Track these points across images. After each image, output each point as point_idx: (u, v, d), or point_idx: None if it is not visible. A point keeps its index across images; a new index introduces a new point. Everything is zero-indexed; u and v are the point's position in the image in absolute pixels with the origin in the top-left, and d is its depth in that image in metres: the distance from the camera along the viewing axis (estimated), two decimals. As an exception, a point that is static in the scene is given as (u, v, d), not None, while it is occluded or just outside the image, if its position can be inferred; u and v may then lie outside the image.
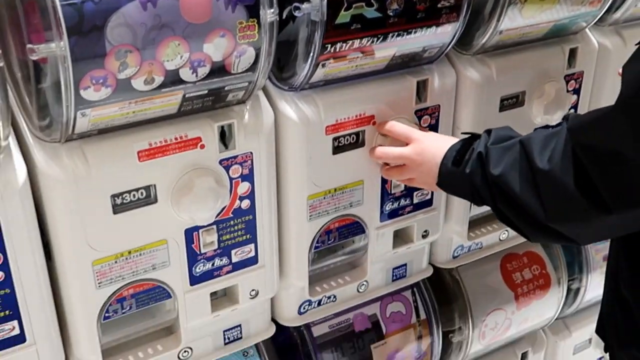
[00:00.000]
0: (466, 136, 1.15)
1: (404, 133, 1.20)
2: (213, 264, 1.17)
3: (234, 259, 1.19)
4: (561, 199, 0.97)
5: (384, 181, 1.30)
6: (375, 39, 1.12)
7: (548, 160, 0.97)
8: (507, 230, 1.57)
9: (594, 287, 1.79)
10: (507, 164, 1.02)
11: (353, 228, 1.31)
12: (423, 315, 1.51)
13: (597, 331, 1.22)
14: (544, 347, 1.82)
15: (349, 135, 1.22)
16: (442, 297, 1.56)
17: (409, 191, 1.34)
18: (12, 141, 0.98)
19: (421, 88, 1.27)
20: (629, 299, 1.07)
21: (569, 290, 1.74)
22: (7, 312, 1.02)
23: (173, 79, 0.98)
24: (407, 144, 1.19)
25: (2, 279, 1.00)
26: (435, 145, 1.16)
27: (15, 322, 1.04)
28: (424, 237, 1.41)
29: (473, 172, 1.07)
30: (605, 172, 0.92)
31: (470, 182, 1.08)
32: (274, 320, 1.37)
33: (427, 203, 1.38)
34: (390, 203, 1.33)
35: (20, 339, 1.05)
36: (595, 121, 0.95)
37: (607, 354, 1.20)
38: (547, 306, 1.69)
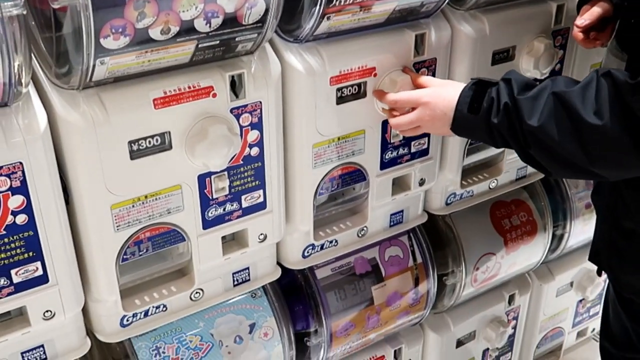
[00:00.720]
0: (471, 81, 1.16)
1: (409, 101, 1.19)
2: (224, 209, 1.18)
3: (244, 204, 1.19)
4: (611, 151, 1.01)
5: (384, 131, 1.30)
6: (379, -8, 1.11)
7: (595, 114, 0.99)
8: (496, 179, 1.58)
9: (576, 233, 1.82)
10: (545, 116, 1.04)
11: (355, 176, 1.32)
12: (419, 259, 1.53)
13: (590, 259, 1.28)
14: (529, 290, 1.85)
15: (352, 86, 1.22)
16: (437, 242, 1.58)
17: (407, 141, 1.35)
18: (31, 89, 0.97)
19: (419, 41, 1.27)
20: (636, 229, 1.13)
21: (553, 236, 1.76)
22: (30, 253, 1.03)
23: (187, 29, 0.97)
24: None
25: (26, 222, 1.00)
26: (442, 102, 1.16)
27: (38, 263, 1.04)
28: (420, 184, 1.42)
29: (500, 123, 1.09)
30: None
31: (496, 130, 1.10)
32: (279, 263, 1.38)
33: (424, 152, 1.39)
34: (390, 152, 1.33)
35: (43, 279, 1.06)
36: None
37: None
38: (534, 251, 1.71)
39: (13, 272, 1.02)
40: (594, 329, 2.15)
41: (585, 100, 1.01)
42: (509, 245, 1.64)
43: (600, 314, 1.84)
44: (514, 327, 1.86)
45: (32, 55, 0.95)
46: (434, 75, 1.31)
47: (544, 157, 1.08)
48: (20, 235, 1.00)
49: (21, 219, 0.99)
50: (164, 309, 1.24)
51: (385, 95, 1.22)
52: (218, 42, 1.03)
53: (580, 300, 2.02)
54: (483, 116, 1.11)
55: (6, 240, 1.00)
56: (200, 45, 1.01)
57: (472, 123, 1.13)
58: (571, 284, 1.95)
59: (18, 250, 1.01)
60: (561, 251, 1.85)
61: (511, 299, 1.79)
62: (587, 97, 1.00)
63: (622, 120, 0.98)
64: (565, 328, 2.04)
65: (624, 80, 0.98)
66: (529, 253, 1.71)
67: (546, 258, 1.79)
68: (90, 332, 1.21)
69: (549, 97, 1.04)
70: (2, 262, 1.01)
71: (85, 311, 1.18)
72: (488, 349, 1.82)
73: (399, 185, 1.41)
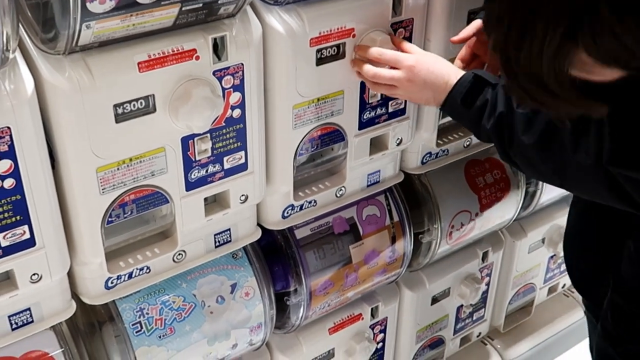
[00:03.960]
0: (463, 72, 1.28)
1: (393, 59, 1.28)
2: (207, 171, 1.26)
3: (226, 166, 1.27)
4: (586, 187, 1.16)
5: (362, 91, 1.39)
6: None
7: (585, 154, 1.09)
8: (470, 138, 1.69)
9: (548, 190, 1.95)
10: (537, 137, 1.15)
11: (334, 136, 1.41)
12: (396, 218, 1.63)
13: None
14: (502, 247, 1.97)
15: (331, 47, 1.29)
16: (412, 201, 1.68)
17: (385, 101, 1.44)
18: (17, 55, 1.02)
19: (396, 2, 1.35)
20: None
21: (526, 193, 1.88)
22: (18, 217, 1.09)
23: (172, -8, 1.03)
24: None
25: (13, 186, 1.06)
26: (427, 71, 1.26)
27: (25, 227, 1.11)
28: (397, 144, 1.51)
29: (492, 127, 1.21)
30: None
31: (484, 130, 1.24)
32: (259, 225, 1.47)
33: (401, 112, 1.48)
34: (368, 112, 1.42)
35: (30, 242, 1.12)
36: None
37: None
38: (507, 208, 1.83)
39: (1, 236, 1.09)
40: (564, 285, 2.30)
41: (578, 144, 1.10)
42: (483, 202, 1.76)
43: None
44: (488, 284, 1.99)
45: (20, 21, 1.01)
46: (410, 35, 1.40)
47: (524, 165, 1.23)
48: (8, 199, 1.07)
49: (9, 183, 1.05)
50: (148, 270, 1.32)
51: (369, 48, 1.29)
52: (201, 5, 1.09)
53: (552, 257, 2.15)
54: (474, 113, 1.23)
55: (-6, 204, 1.06)
56: (183, 9, 1.08)
57: (462, 114, 1.25)
58: (543, 240, 2.08)
59: (6, 214, 1.08)
60: (533, 208, 1.97)
61: (485, 256, 1.91)
62: (579, 141, 1.10)
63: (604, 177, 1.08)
64: (537, 284, 2.18)
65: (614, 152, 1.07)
66: (503, 210, 1.83)
67: (519, 215, 1.91)
68: (75, 296, 1.29)
69: (547, 122, 1.14)
70: (-10, 226, 1.07)
71: (70, 275, 1.25)
72: (462, 305, 1.95)
73: (376, 145, 1.50)
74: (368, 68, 1.30)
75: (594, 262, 1.58)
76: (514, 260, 2.03)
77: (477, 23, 1.36)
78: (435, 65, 1.28)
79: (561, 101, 0.95)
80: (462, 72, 1.29)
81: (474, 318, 2.04)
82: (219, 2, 1.11)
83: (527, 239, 2.03)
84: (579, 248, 1.64)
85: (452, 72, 1.28)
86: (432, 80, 1.27)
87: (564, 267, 2.19)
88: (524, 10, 0.90)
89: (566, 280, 2.27)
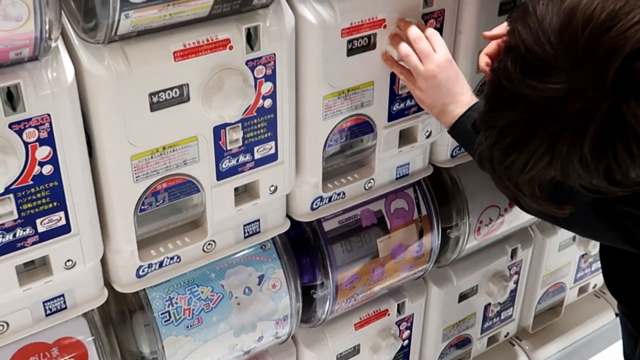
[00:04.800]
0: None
1: (424, 51, 1.33)
2: (237, 160, 1.33)
3: (256, 156, 1.34)
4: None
5: (392, 82, 1.45)
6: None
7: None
8: (501, 132, 1.74)
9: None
10: None
11: (363, 127, 1.47)
12: (424, 212, 1.69)
13: None
14: (532, 244, 2.02)
15: (362, 37, 1.36)
16: (441, 195, 1.74)
17: (415, 92, 1.50)
18: (59, 43, 1.10)
19: (428, -7, 1.42)
20: None
21: (557, 189, 1.93)
22: (55, 203, 1.17)
23: (208, -18, 1.11)
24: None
25: (52, 172, 1.14)
26: (445, 79, 1.33)
27: (62, 213, 1.18)
28: (427, 137, 1.58)
29: None
30: None
31: None
32: (288, 216, 1.54)
33: (431, 104, 1.54)
34: (398, 104, 1.49)
35: (66, 229, 1.20)
36: None
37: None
38: (537, 203, 1.88)
39: (38, 221, 1.17)
40: (595, 285, 2.34)
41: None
42: (513, 197, 1.81)
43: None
44: (516, 282, 2.04)
45: (62, 11, 1.09)
46: (441, 27, 1.46)
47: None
48: (46, 185, 1.14)
49: (47, 169, 1.13)
50: (178, 260, 1.39)
51: (412, 25, 1.35)
52: (236, -5, 1.17)
53: (583, 255, 2.20)
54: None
55: (33, 190, 1.13)
56: (219, -1, 1.15)
57: (471, 138, 1.26)
58: (574, 238, 2.13)
59: (43, 200, 1.15)
60: (564, 204, 2.02)
61: (514, 252, 1.97)
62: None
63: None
64: (567, 283, 2.23)
65: None
66: (533, 206, 1.88)
67: (549, 211, 1.96)
68: (106, 284, 1.37)
69: None
70: (29, 211, 1.15)
71: (102, 262, 1.33)
72: (490, 303, 2.01)
73: (405, 137, 1.56)
74: (404, 46, 1.35)
75: (633, 269, 1.61)
76: (544, 258, 2.08)
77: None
78: (457, 79, 1.35)
79: (533, 202, 1.06)
80: (473, 96, 1.36)
81: (502, 317, 2.10)
82: (254, -8, 1.18)
83: (558, 237, 2.08)
84: (615, 254, 1.68)
85: (466, 93, 1.34)
86: (447, 90, 1.33)
87: (595, 266, 2.25)
88: (519, 132, 0.98)
89: (597, 280, 2.32)
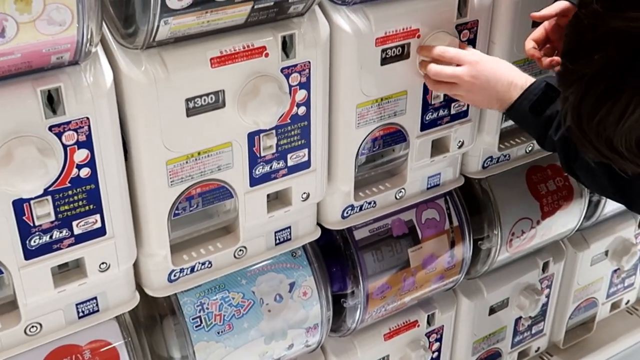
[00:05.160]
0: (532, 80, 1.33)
1: (456, 56, 1.35)
2: (271, 167, 1.34)
3: (289, 163, 1.36)
4: None
5: (425, 92, 1.46)
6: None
7: None
8: (532, 143, 1.74)
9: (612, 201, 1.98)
10: None
11: (395, 136, 1.48)
12: (456, 222, 1.69)
13: None
14: (563, 258, 2.01)
15: (396, 47, 1.37)
16: (472, 206, 1.74)
17: (447, 102, 1.51)
18: (99, 48, 1.13)
19: (462, 4, 1.42)
20: None
21: (589, 202, 1.92)
22: (91, 206, 1.19)
23: (246, -10, 1.13)
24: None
25: (89, 175, 1.16)
26: (490, 70, 1.33)
27: (97, 216, 1.20)
28: (459, 147, 1.58)
29: (559, 139, 1.27)
30: None
31: (549, 140, 1.29)
32: (319, 224, 1.55)
33: (464, 114, 1.55)
34: (430, 113, 1.50)
35: (101, 231, 1.22)
36: None
37: None
38: (570, 217, 1.88)
39: (74, 223, 1.19)
40: (628, 301, 2.32)
41: None
42: (545, 210, 1.81)
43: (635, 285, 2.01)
44: (548, 296, 2.03)
45: (103, 18, 1.11)
46: (475, 37, 1.47)
47: (588, 182, 1.30)
48: (83, 188, 1.16)
49: (85, 172, 1.15)
50: (209, 265, 1.41)
51: (433, 48, 1.36)
52: (273, 3, 1.18)
53: (615, 270, 2.18)
54: (543, 122, 1.29)
55: (70, 192, 1.16)
56: (255, 7, 1.17)
57: (528, 120, 1.30)
58: (606, 252, 2.11)
59: (80, 203, 1.18)
60: (597, 218, 2.01)
61: (545, 266, 1.96)
62: None
63: None
64: (599, 299, 2.20)
65: None
66: (565, 219, 1.87)
67: (581, 225, 1.95)
68: (138, 288, 1.39)
69: None
70: (65, 213, 1.17)
71: (135, 266, 1.35)
72: (521, 317, 1.99)
73: (437, 147, 1.57)
74: (431, 66, 1.37)
75: None
76: (576, 272, 2.07)
77: (561, 4, 1.36)
78: (499, 65, 1.35)
79: (628, 162, 0.98)
80: (527, 76, 1.35)
81: (533, 331, 2.08)
82: (289, 1, 1.20)
83: (590, 251, 2.06)
84: None
85: (517, 75, 1.35)
86: (496, 80, 1.33)
87: (628, 282, 2.22)
88: (613, 76, 0.92)
89: (630, 296, 2.29)
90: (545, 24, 1.39)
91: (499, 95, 1.35)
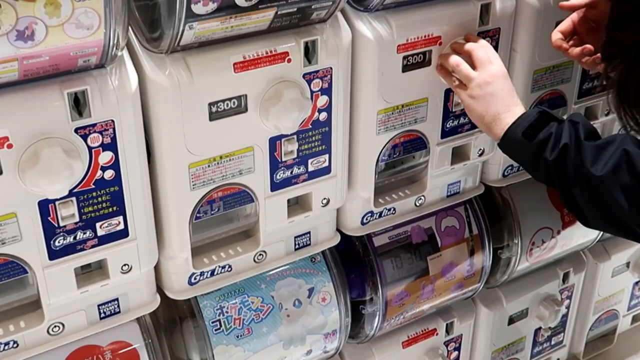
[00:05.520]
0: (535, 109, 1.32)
1: (481, 59, 1.34)
2: (292, 172, 1.36)
3: (310, 168, 1.37)
4: None
5: (446, 99, 1.47)
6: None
7: None
8: (554, 153, 1.74)
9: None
10: (609, 168, 1.18)
11: (416, 143, 1.49)
12: (475, 231, 1.70)
13: None
14: (584, 269, 2.01)
15: (418, 54, 1.39)
16: (492, 215, 1.74)
17: (469, 110, 1.51)
18: (124, 52, 1.15)
19: (484, 11, 1.43)
20: None
21: (611, 213, 1.91)
22: (115, 207, 1.21)
23: (270, -4, 1.15)
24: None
25: (113, 177, 1.18)
26: (498, 91, 1.32)
27: (120, 218, 1.22)
28: (479, 155, 1.59)
29: (554, 160, 1.24)
30: None
31: (544, 164, 1.26)
32: (338, 230, 1.56)
33: (485, 122, 1.55)
34: (451, 121, 1.50)
35: (124, 233, 1.24)
36: None
37: None
38: (591, 227, 1.87)
39: (98, 225, 1.21)
40: (650, 314, 2.30)
41: None
42: (566, 220, 1.81)
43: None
44: (568, 307, 2.02)
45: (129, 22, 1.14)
46: (496, 45, 1.48)
47: (588, 204, 1.23)
48: (107, 190, 1.19)
49: (109, 174, 1.17)
50: (229, 269, 1.42)
51: (465, 44, 1.36)
52: (296, 9, 1.20)
53: (637, 282, 2.17)
54: (535, 146, 1.27)
55: (94, 194, 1.18)
56: (279, 13, 1.19)
57: (521, 147, 1.28)
58: (627, 264, 2.10)
59: (104, 204, 1.20)
60: (618, 229, 2.00)
61: (565, 277, 1.95)
62: None
63: None
64: (620, 311, 2.19)
65: None
66: (586, 229, 1.86)
67: (603, 236, 1.95)
68: (158, 290, 1.40)
69: (619, 151, 1.18)
70: (89, 215, 1.19)
71: (156, 269, 1.36)
72: (540, 327, 1.99)
73: (457, 155, 1.58)
74: (454, 57, 1.37)
75: None
76: (597, 283, 2.06)
77: None
78: (511, 89, 1.34)
79: None
80: (523, 108, 1.34)
81: (552, 343, 2.08)
82: (312, 7, 1.22)
83: (611, 262, 2.06)
84: None
85: (518, 105, 1.33)
86: (501, 98, 1.32)
87: (649, 294, 2.21)
88: None
89: (652, 308, 2.28)
90: (573, 15, 1.39)
91: (496, 115, 1.32)
